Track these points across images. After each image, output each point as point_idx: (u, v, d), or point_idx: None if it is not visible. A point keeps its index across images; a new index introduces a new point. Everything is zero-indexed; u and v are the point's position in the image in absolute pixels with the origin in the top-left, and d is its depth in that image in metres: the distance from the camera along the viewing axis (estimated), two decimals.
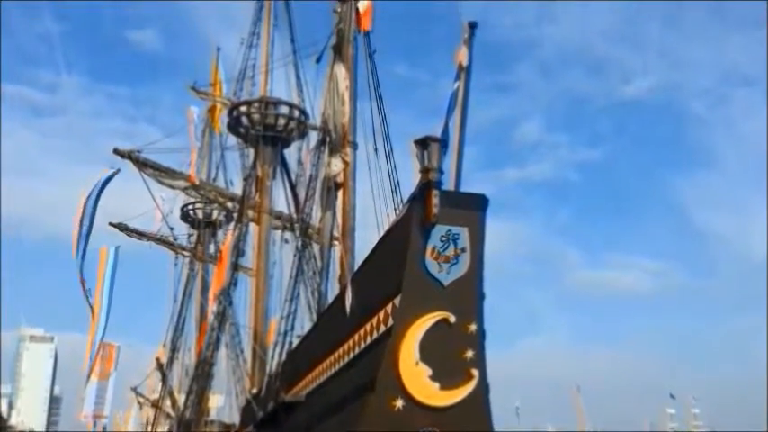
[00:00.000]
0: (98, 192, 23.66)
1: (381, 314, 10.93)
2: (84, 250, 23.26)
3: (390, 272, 10.78)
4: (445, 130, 10.98)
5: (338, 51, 16.50)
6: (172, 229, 31.11)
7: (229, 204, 27.98)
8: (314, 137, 19.61)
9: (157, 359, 33.19)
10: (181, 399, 29.09)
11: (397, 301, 10.57)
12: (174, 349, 31.69)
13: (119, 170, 23.90)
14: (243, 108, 22.97)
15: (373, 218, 14.59)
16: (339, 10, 16.60)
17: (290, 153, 23.36)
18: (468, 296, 10.64)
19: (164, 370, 31.94)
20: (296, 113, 22.67)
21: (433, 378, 10.45)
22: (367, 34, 16.25)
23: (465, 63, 11.09)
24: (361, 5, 16.16)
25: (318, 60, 17.30)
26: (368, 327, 11.29)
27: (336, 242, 16.12)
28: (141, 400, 38.66)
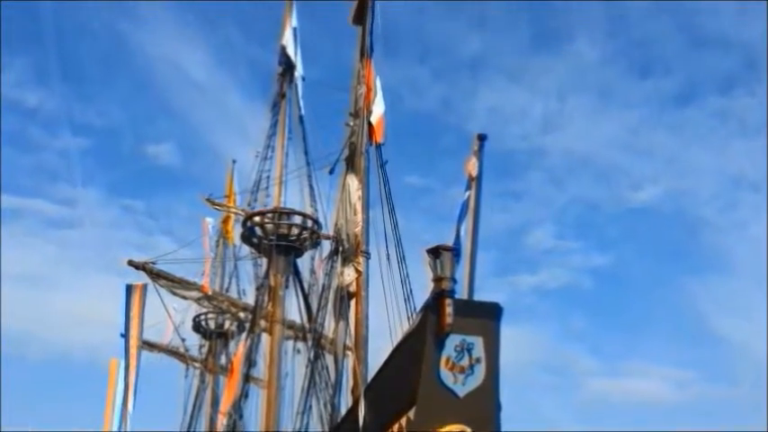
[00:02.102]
0: (141, 309, 23.88)
1: (396, 427, 10.65)
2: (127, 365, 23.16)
3: (405, 383, 10.59)
4: (457, 239, 11.09)
5: (351, 163, 16.89)
6: (183, 340, 30.89)
7: (242, 314, 27.86)
8: (327, 246, 19.77)
9: None
10: None
11: (411, 413, 10.32)
12: None
13: (146, 286, 24.06)
14: (257, 218, 23.29)
15: (386, 327, 14.49)
16: (352, 124, 17.11)
17: (303, 262, 23.50)
18: (484, 408, 10.39)
19: None
20: (309, 223, 22.94)
21: None
22: (379, 146, 16.67)
23: (475, 173, 11.32)
24: (374, 119, 16.66)
25: (331, 172, 17.68)
26: None
27: (349, 352, 15.93)
28: None
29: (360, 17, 17.36)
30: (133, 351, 23.26)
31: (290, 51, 23.95)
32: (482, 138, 11.52)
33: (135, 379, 23.09)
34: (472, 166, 11.33)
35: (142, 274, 24.85)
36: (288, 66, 24.17)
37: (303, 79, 24.12)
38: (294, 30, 24.08)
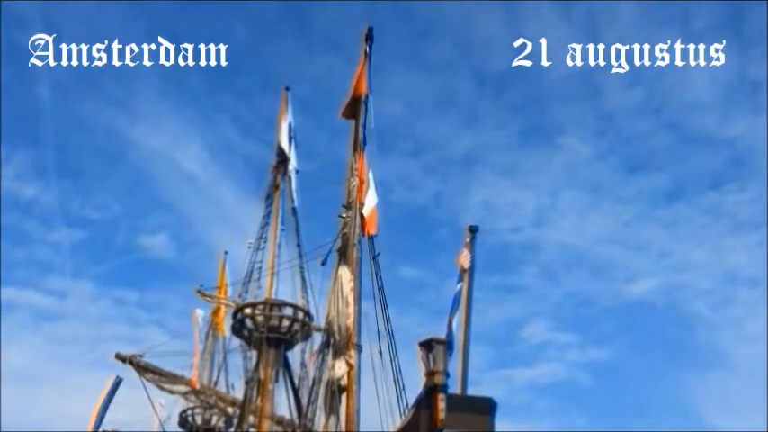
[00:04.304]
0: (107, 402, 23.30)
1: None
2: None
3: None
4: (449, 332, 10.97)
5: (343, 254, 16.89)
6: None
7: (230, 409, 27.18)
8: (318, 339, 19.52)
9: None
10: None
11: None
12: None
13: (121, 380, 23.61)
14: (248, 310, 23.07)
15: (378, 423, 14.14)
16: (344, 215, 17.22)
17: (294, 355, 23.13)
18: None
19: None
20: (300, 315, 22.72)
21: None
22: (371, 238, 16.73)
23: (467, 265, 11.32)
24: (366, 211, 16.78)
25: (324, 263, 17.63)
26: None
27: None
28: None
29: (351, 112, 17.77)
30: None
31: (285, 145, 24.39)
32: (473, 230, 11.59)
33: None
34: (464, 258, 11.36)
35: (129, 367, 24.41)
36: (282, 158, 24.54)
37: (297, 172, 24.46)
38: (289, 124, 24.61)
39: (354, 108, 17.72)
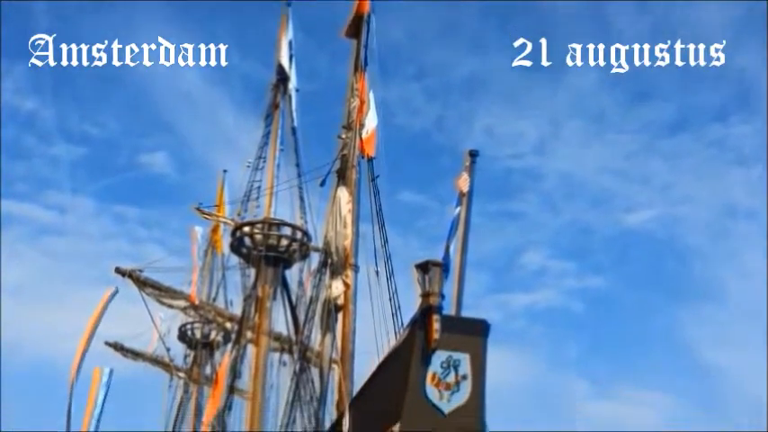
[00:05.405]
0: (101, 314, 23.62)
1: None
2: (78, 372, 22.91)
3: (390, 398, 10.52)
4: (446, 255, 11.06)
5: (342, 176, 16.88)
6: (168, 349, 30.67)
7: (228, 325, 27.70)
8: (316, 259, 19.71)
9: None
10: None
11: (396, 428, 10.25)
12: None
13: (117, 290, 23.88)
14: (246, 229, 23.21)
15: (373, 342, 14.43)
16: (344, 136, 17.12)
17: (292, 274, 23.38)
18: (469, 426, 10.33)
19: None
20: (298, 235, 22.88)
21: None
22: (370, 160, 16.68)
23: (466, 189, 11.32)
24: (366, 132, 16.67)
25: (322, 184, 17.65)
26: None
27: (335, 366, 15.84)
28: None
29: (354, 31, 17.43)
30: (79, 351, 22.93)
31: (285, 63, 23.98)
32: (473, 154, 11.53)
33: (75, 380, 22.77)
34: (463, 182, 11.34)
35: (129, 281, 24.70)
36: (282, 77, 24.18)
37: (297, 91, 24.14)
38: (290, 42, 24.14)
39: (357, 26, 17.39)
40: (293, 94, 24.06)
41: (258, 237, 22.88)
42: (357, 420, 11.32)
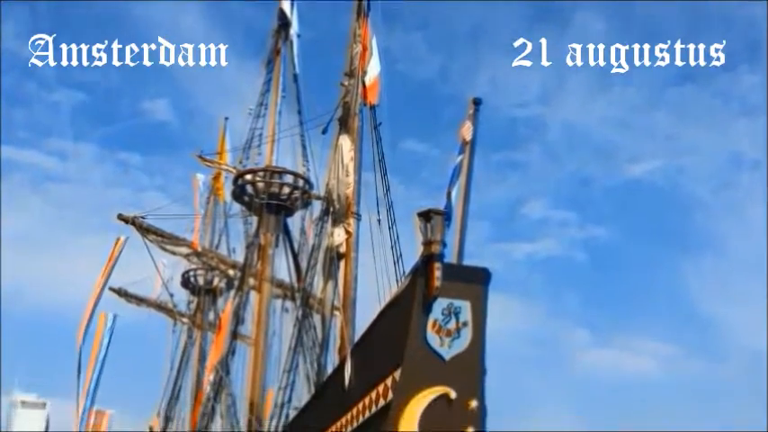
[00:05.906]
0: (114, 261, 23.91)
1: (381, 388, 10.75)
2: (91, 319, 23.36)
3: (391, 345, 10.65)
4: (448, 203, 11.04)
5: (344, 123, 16.77)
6: (172, 295, 30.94)
7: (231, 272, 27.87)
8: (318, 206, 19.73)
9: (151, 428, 32.48)
10: None
11: (397, 374, 10.41)
12: (168, 419, 31.04)
13: (127, 238, 24.04)
14: (248, 176, 23.17)
15: (375, 289, 14.54)
16: (346, 83, 16.93)
17: (294, 222, 23.45)
18: (469, 372, 10.48)
19: None
20: (300, 182, 22.84)
21: None
22: (373, 108, 16.53)
23: (469, 138, 11.24)
24: (368, 80, 16.49)
25: (324, 131, 17.53)
26: (367, 400, 11.09)
27: (337, 312, 16.00)
28: None
29: None
30: (93, 296, 23.28)
31: (286, 7, 23.58)
32: (477, 102, 11.40)
33: (87, 323, 23.17)
34: (466, 130, 11.25)
35: (132, 228, 24.78)
36: (283, 22, 23.80)
37: (299, 36, 23.80)
38: None
39: None
40: (295, 39, 23.71)
41: (260, 184, 22.86)
42: (358, 366, 11.47)
